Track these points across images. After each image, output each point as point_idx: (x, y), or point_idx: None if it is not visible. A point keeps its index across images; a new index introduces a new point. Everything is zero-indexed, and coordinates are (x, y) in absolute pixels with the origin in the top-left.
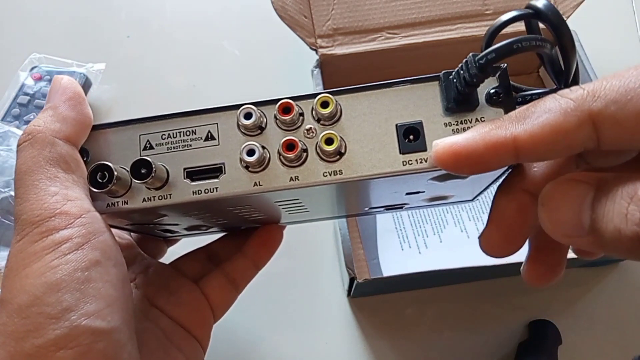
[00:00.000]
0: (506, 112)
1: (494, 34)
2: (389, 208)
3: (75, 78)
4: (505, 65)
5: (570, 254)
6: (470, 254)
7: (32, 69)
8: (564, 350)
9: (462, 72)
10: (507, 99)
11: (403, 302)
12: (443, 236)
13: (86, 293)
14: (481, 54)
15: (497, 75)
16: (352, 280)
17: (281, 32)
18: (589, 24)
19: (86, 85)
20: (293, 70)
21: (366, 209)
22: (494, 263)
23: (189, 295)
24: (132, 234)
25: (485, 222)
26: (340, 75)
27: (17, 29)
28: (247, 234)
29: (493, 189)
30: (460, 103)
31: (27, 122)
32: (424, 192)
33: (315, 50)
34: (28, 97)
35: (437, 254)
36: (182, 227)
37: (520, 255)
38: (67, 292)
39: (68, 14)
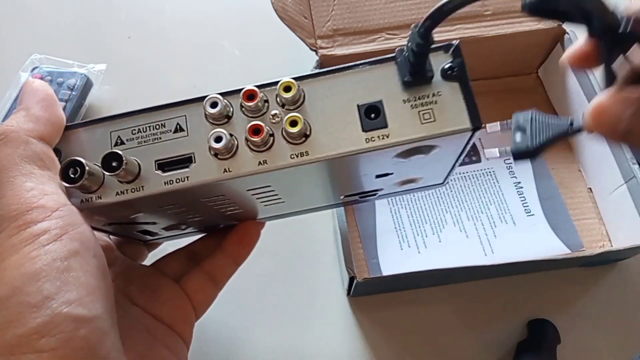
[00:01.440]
0: (461, 86)
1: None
2: (363, 195)
3: (76, 79)
4: (458, 42)
5: (564, 255)
6: (469, 254)
7: (33, 69)
8: (563, 349)
9: (409, 44)
10: (461, 74)
11: (402, 301)
12: (442, 236)
13: (66, 281)
14: (420, 24)
15: (451, 51)
16: (351, 279)
17: (281, 33)
18: None
19: (87, 85)
20: (293, 70)
21: (341, 197)
22: (494, 263)
23: (170, 294)
24: (111, 237)
25: (483, 223)
26: None
27: (18, 29)
28: (226, 231)
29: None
30: (415, 75)
31: None
32: (392, 173)
33: (315, 51)
34: None
35: (436, 253)
36: (159, 226)
37: (520, 255)
38: (47, 281)
39: (69, 14)
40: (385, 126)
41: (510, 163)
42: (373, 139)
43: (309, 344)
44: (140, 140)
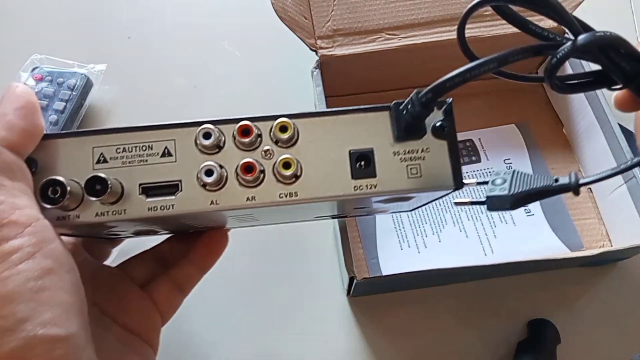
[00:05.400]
0: (449, 145)
1: (460, 34)
2: (335, 217)
3: (77, 79)
4: (451, 99)
5: (564, 255)
6: (469, 254)
7: (34, 69)
8: (563, 349)
9: (409, 107)
10: (451, 132)
11: (402, 301)
12: (442, 236)
13: (41, 302)
14: (422, 93)
15: (443, 109)
16: (351, 279)
17: (281, 33)
18: (588, 24)
19: (87, 86)
20: (293, 71)
21: (315, 217)
22: (493, 262)
23: (137, 303)
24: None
25: (483, 222)
26: (340, 76)
27: (18, 29)
28: (194, 236)
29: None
30: (408, 132)
31: None
32: (368, 207)
33: (315, 51)
34: None
35: (436, 253)
36: (129, 232)
37: (520, 255)
38: (20, 303)
39: (69, 15)
40: (374, 176)
41: (511, 163)
42: (361, 187)
43: (309, 344)
44: (124, 161)
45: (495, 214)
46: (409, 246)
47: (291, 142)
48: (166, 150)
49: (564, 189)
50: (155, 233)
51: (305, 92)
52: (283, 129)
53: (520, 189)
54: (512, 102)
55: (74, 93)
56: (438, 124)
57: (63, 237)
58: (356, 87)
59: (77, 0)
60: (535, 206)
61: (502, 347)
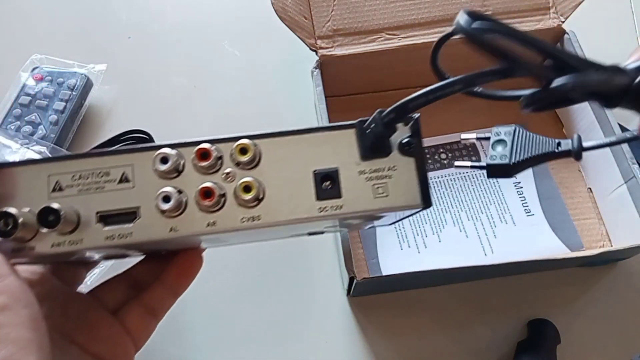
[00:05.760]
0: (417, 162)
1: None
2: (311, 233)
3: (77, 79)
4: (417, 115)
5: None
6: (469, 254)
7: (34, 69)
8: (562, 349)
9: (372, 126)
10: (418, 149)
11: (402, 301)
12: (442, 236)
13: None
14: (384, 112)
15: (410, 125)
16: (351, 279)
17: (281, 33)
18: (588, 24)
19: (87, 86)
20: (293, 71)
21: (290, 235)
22: (494, 263)
23: (109, 330)
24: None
25: (483, 223)
26: (340, 76)
27: (18, 29)
28: (168, 257)
29: None
30: (373, 151)
31: (28, 123)
32: (337, 225)
33: (315, 51)
34: (29, 98)
35: (436, 253)
36: (98, 257)
37: (520, 255)
38: None
39: (69, 15)
40: (339, 196)
41: None
42: (326, 209)
43: (309, 344)
44: (81, 188)
45: (494, 214)
46: (409, 246)
47: (253, 164)
48: (124, 176)
49: (565, 153)
50: (126, 256)
51: (305, 92)
52: (243, 151)
53: (521, 157)
54: (512, 101)
55: (74, 93)
56: (405, 140)
57: (31, 267)
58: (356, 87)
59: (77, 0)
60: (535, 206)
61: (502, 347)
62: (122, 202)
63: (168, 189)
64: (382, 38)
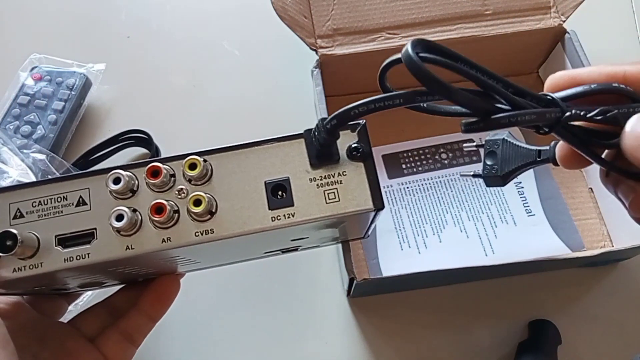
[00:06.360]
0: (366, 167)
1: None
2: (285, 251)
3: (76, 78)
4: (364, 121)
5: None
6: (470, 254)
7: (33, 69)
8: (563, 350)
9: (316, 134)
10: (366, 154)
11: (403, 302)
12: (442, 236)
13: None
14: (327, 120)
15: (357, 131)
16: (351, 280)
17: (281, 33)
18: (588, 24)
19: (86, 85)
20: (293, 70)
21: (263, 252)
22: (494, 263)
23: (86, 358)
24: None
25: (483, 223)
26: (340, 75)
27: (17, 29)
28: (145, 284)
29: None
30: (322, 158)
31: (27, 123)
32: (308, 237)
33: (315, 50)
34: (28, 98)
35: (436, 254)
36: (73, 285)
37: (521, 256)
38: None
39: (68, 14)
40: (292, 205)
41: None
42: (279, 218)
43: (309, 345)
44: (40, 214)
45: (495, 214)
46: (410, 247)
47: (205, 179)
48: (80, 200)
49: (545, 160)
50: (102, 284)
51: (305, 91)
52: (192, 166)
53: (508, 168)
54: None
55: (72, 93)
56: (353, 146)
57: (5, 298)
58: (356, 86)
59: (77, 0)
60: (536, 206)
61: (503, 347)
62: (80, 225)
63: (121, 207)
64: (383, 37)
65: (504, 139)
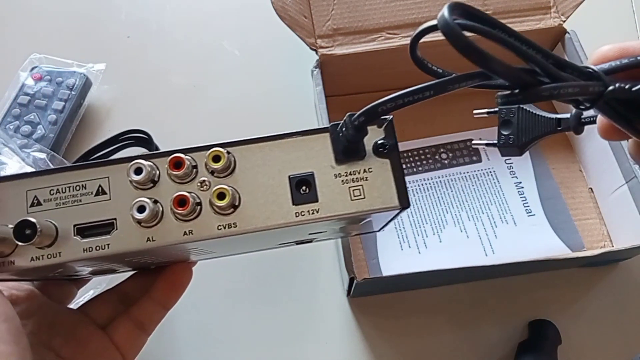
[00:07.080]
0: (392, 163)
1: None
2: (300, 242)
3: (76, 78)
4: (391, 117)
5: (565, 255)
6: (469, 254)
7: (33, 69)
8: (563, 350)
9: (344, 130)
10: (393, 151)
11: (403, 301)
12: (443, 236)
13: None
14: (355, 116)
15: (384, 127)
16: (351, 280)
17: (281, 32)
18: (589, 24)
19: (86, 85)
20: (293, 70)
21: (277, 244)
22: (494, 263)
23: (96, 345)
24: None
25: (483, 223)
26: (340, 75)
27: (17, 29)
28: (157, 271)
29: None
30: (348, 154)
31: (27, 122)
32: (326, 231)
33: (315, 50)
34: (28, 97)
35: (436, 253)
36: (85, 272)
37: (521, 256)
38: None
39: (68, 14)
40: (316, 200)
41: (511, 163)
42: (303, 213)
43: (309, 345)
44: (58, 202)
45: (495, 214)
46: (410, 246)
47: (228, 172)
48: (100, 189)
49: (566, 129)
50: (114, 271)
51: (305, 91)
52: (216, 158)
53: (526, 138)
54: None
55: (73, 92)
56: (379, 142)
57: (17, 283)
58: (356, 86)
59: (77, 0)
60: (536, 206)
61: (503, 347)
62: (99, 214)
63: (143, 199)
64: (383, 37)
65: (519, 106)
